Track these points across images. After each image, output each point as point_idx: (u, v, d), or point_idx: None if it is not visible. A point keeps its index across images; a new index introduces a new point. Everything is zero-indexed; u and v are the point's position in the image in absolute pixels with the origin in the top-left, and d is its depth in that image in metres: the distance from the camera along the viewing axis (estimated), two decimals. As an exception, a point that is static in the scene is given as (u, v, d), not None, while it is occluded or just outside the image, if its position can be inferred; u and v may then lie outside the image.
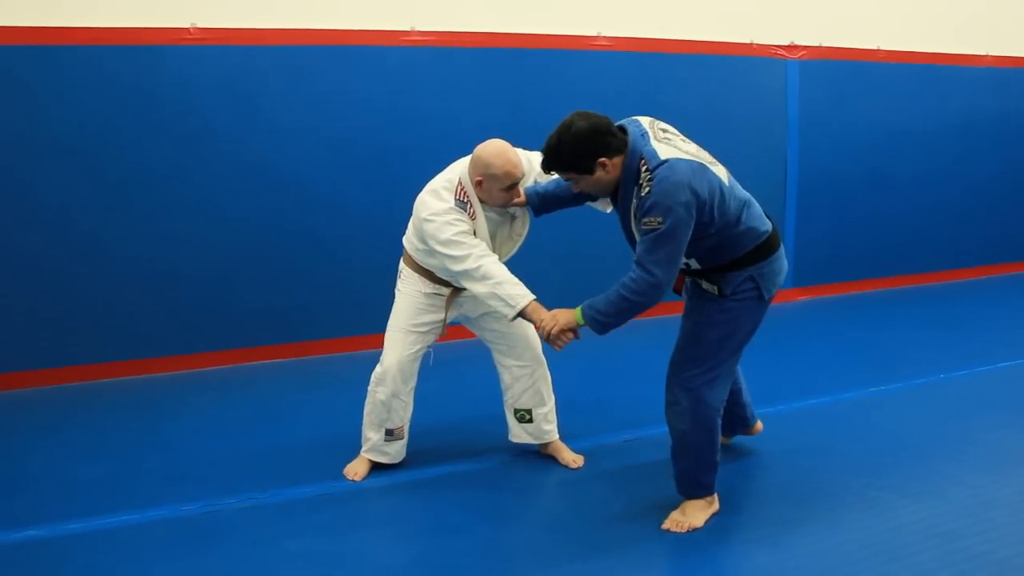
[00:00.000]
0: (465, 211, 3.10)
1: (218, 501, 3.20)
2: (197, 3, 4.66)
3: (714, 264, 2.84)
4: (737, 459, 3.52)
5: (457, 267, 3.06)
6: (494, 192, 3.08)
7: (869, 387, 4.39)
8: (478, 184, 3.09)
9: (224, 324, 4.98)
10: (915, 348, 5.19)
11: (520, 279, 3.11)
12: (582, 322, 2.84)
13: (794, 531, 2.93)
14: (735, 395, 3.28)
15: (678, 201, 2.58)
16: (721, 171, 2.80)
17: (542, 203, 3.21)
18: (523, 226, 3.32)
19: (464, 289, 3.21)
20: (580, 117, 2.72)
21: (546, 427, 3.53)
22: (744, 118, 6.03)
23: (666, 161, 2.63)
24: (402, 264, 3.42)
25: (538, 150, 3.31)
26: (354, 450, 3.48)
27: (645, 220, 2.62)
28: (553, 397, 3.54)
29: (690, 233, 2.65)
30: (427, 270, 3.28)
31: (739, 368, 3.23)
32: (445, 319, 3.36)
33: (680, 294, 3.10)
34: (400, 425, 3.41)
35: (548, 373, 3.52)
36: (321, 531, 2.98)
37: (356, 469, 3.42)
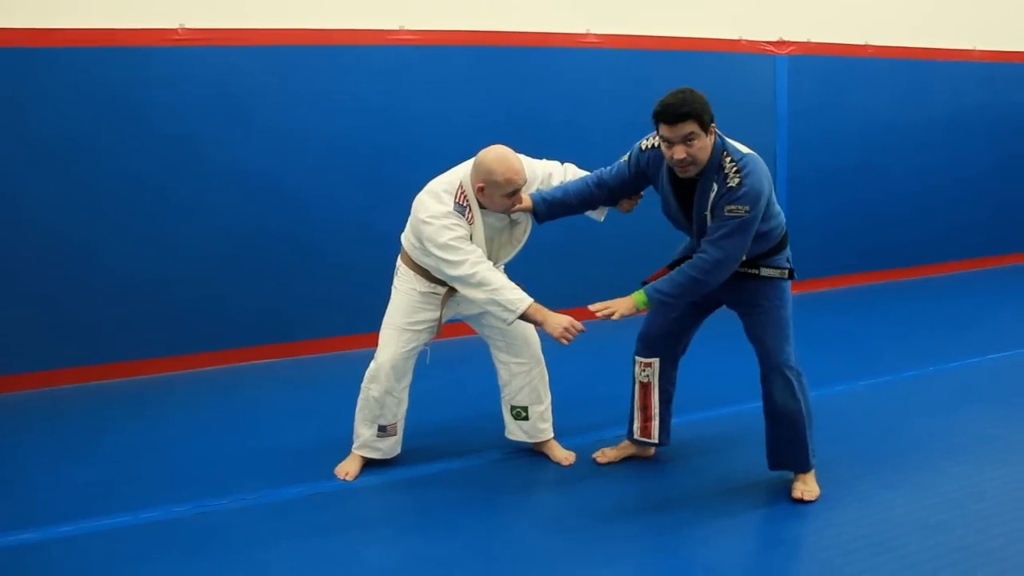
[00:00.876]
0: (463, 215, 3.10)
1: (210, 502, 3.20)
2: (185, 4, 4.65)
3: (759, 252, 3.02)
4: (726, 453, 3.53)
5: (452, 272, 3.08)
6: (496, 198, 3.09)
7: (859, 380, 4.41)
8: (480, 190, 3.09)
9: (215, 325, 4.97)
10: (904, 341, 5.21)
11: (515, 280, 3.12)
12: (643, 306, 2.97)
13: (783, 523, 2.96)
14: (672, 400, 3.44)
15: (763, 194, 2.85)
16: None
17: (548, 209, 3.23)
18: (524, 232, 3.33)
19: None
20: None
21: (541, 425, 3.54)
22: (733, 114, 5.95)
23: (748, 155, 2.90)
24: (399, 261, 3.42)
25: (528, 152, 3.34)
26: (346, 450, 3.48)
27: (731, 208, 2.82)
28: (550, 396, 3.55)
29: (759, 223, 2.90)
30: (424, 268, 3.29)
31: (676, 375, 3.42)
32: (441, 318, 3.36)
33: None
34: (393, 422, 3.41)
35: (546, 372, 3.52)
36: (313, 531, 2.98)
37: (347, 468, 3.42)
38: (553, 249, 5.15)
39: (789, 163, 6.37)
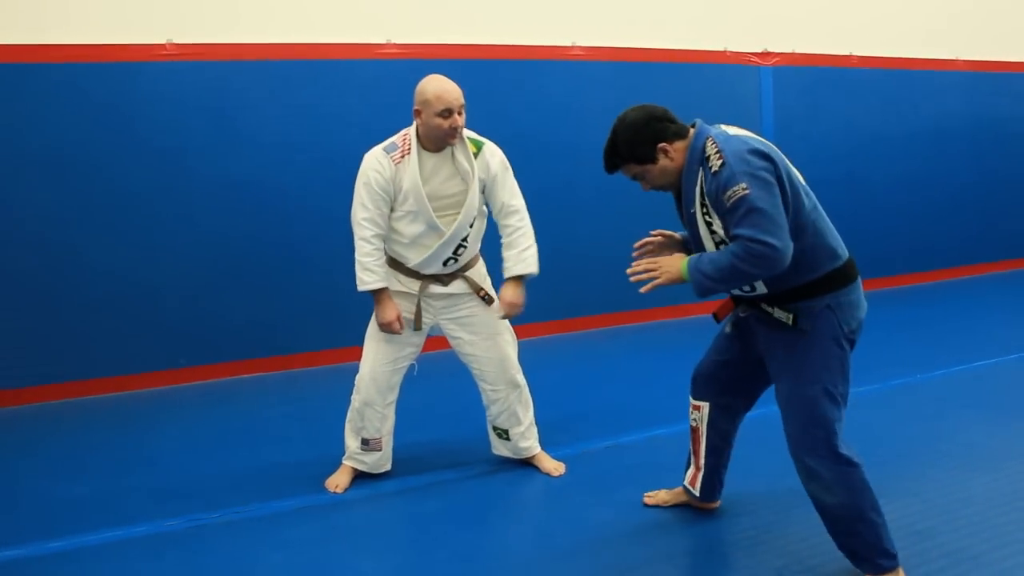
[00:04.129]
0: (389, 153, 3.21)
1: (201, 516, 3.20)
2: (173, 20, 4.67)
3: (786, 286, 2.57)
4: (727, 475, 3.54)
5: (352, 213, 3.23)
6: (431, 121, 3.11)
7: (846, 389, 4.42)
8: (417, 113, 3.15)
9: (206, 339, 4.97)
10: (890, 349, 5.24)
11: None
12: (687, 278, 2.55)
13: (771, 532, 2.97)
14: (724, 456, 3.05)
15: (755, 165, 2.43)
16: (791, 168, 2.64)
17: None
18: (473, 204, 3.24)
19: (435, 286, 3.31)
20: (632, 108, 2.64)
21: (523, 444, 3.54)
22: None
23: (731, 137, 2.54)
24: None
25: (514, 163, 3.36)
26: (336, 463, 3.49)
27: (729, 193, 2.41)
28: (531, 414, 3.54)
29: (780, 196, 2.45)
30: (398, 262, 3.32)
31: (731, 429, 3.02)
32: (418, 321, 3.35)
33: (718, 320, 2.89)
34: (376, 437, 3.41)
35: (526, 394, 3.52)
36: (304, 543, 2.99)
37: (337, 481, 3.43)
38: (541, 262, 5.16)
39: (775, 173, 6.40)
